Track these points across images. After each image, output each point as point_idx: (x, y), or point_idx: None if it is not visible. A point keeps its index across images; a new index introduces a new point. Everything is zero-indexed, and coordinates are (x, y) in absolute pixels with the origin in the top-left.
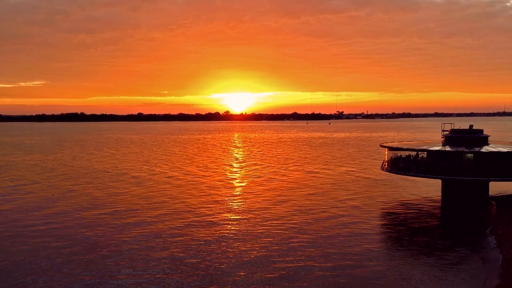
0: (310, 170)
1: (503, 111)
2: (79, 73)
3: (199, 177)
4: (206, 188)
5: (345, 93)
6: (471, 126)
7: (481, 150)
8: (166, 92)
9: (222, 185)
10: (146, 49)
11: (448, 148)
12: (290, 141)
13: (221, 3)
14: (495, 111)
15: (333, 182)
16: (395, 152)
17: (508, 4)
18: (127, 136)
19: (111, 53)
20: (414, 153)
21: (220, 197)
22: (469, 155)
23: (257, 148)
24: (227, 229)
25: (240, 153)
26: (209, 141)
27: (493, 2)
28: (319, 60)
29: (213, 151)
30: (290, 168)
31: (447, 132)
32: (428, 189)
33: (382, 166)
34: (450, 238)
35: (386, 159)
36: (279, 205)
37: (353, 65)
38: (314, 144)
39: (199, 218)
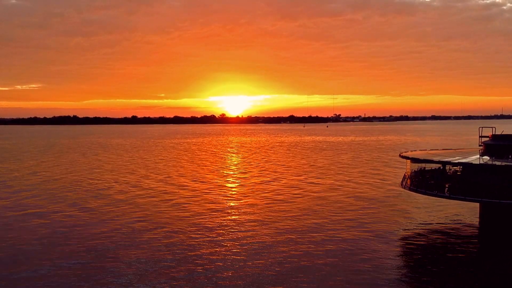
0: (312, 181)
1: (501, 114)
2: (76, 76)
3: (166, 194)
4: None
5: (342, 96)
6: None
7: None
8: (163, 95)
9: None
10: (143, 52)
11: (489, 160)
12: (289, 145)
13: (218, 6)
14: (492, 114)
15: (338, 199)
16: (420, 164)
17: (505, 7)
18: (110, 141)
19: (108, 56)
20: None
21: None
22: None
23: (250, 155)
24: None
25: (223, 162)
26: (194, 145)
27: (490, 6)
28: (316, 63)
29: (189, 157)
30: (289, 181)
31: (487, 139)
32: (460, 211)
33: (402, 182)
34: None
35: (408, 173)
36: (278, 233)
37: (350, 68)
38: (315, 148)
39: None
